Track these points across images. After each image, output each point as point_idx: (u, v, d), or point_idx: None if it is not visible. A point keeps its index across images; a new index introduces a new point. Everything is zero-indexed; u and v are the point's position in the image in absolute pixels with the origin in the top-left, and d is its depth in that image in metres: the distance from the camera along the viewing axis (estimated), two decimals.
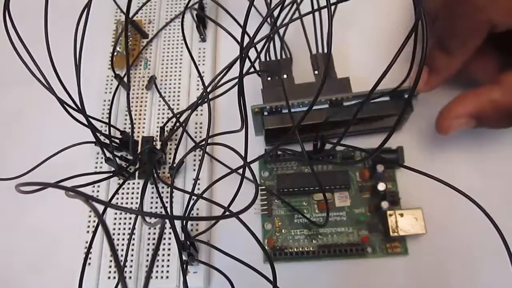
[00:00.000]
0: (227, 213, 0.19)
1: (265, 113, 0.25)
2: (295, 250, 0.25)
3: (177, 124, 0.26)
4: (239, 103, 0.19)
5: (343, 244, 0.25)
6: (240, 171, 0.21)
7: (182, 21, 0.25)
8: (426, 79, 0.24)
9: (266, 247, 0.25)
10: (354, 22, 0.31)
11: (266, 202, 0.26)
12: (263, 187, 0.26)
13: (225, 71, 0.23)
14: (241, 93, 0.18)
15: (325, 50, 0.27)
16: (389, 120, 0.26)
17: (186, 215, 0.22)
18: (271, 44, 0.26)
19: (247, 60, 0.18)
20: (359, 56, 0.30)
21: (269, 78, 0.26)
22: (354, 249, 0.24)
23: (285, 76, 0.26)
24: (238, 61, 0.22)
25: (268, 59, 0.27)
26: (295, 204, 0.26)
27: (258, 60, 0.27)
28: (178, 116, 0.26)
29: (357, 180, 0.26)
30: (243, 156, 0.20)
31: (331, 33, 0.16)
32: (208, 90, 0.23)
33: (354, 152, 0.26)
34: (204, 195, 0.23)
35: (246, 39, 0.18)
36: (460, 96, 0.23)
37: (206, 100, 0.23)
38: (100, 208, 0.25)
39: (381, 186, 0.24)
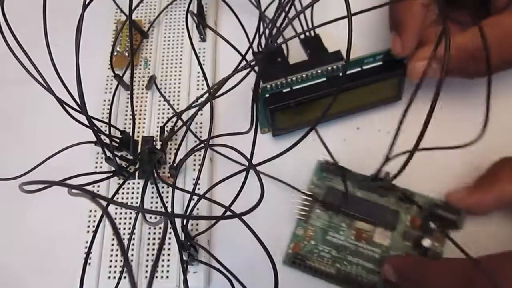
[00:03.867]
0: (230, 213, 0.19)
1: (267, 95, 0.25)
2: (315, 265, 0.24)
3: (178, 124, 0.26)
4: (252, 106, 0.18)
5: (362, 279, 0.23)
6: (243, 170, 0.20)
7: (186, 16, 0.25)
8: (399, 42, 0.24)
9: (290, 251, 0.24)
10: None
11: (307, 208, 0.25)
12: (310, 193, 0.25)
13: (225, 73, 0.23)
14: (255, 99, 0.18)
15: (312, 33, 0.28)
16: (381, 92, 0.26)
17: (187, 214, 0.22)
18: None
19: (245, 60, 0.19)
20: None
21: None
22: None
23: (279, 59, 0.27)
24: (238, 61, 0.22)
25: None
26: (333, 222, 0.25)
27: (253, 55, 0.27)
28: (180, 113, 0.26)
29: (406, 224, 0.24)
30: (249, 158, 0.20)
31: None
32: (211, 90, 0.24)
33: (414, 196, 0.25)
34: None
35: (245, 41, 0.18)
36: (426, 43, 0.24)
37: (210, 98, 0.23)
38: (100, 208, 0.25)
39: (426, 243, 0.23)
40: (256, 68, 0.23)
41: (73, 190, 0.12)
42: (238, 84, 0.23)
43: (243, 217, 0.17)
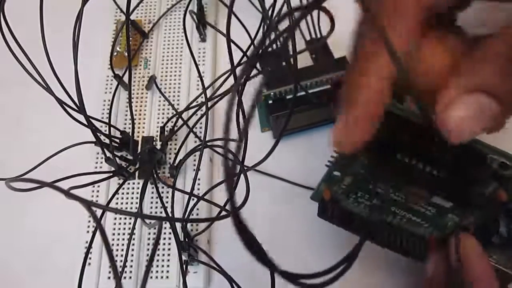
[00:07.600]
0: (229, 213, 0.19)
1: (270, 102, 0.25)
2: (350, 207, 0.20)
3: (177, 125, 0.26)
4: (237, 113, 0.18)
5: (405, 232, 0.20)
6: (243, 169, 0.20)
7: (185, 16, 0.25)
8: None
9: (323, 197, 0.20)
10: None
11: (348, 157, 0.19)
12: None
13: (225, 74, 0.23)
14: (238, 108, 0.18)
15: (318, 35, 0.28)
16: None
17: (186, 216, 0.22)
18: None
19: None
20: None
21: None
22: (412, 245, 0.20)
23: (284, 63, 0.27)
24: (239, 61, 0.22)
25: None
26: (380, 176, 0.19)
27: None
28: (181, 113, 0.26)
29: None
30: (241, 161, 0.20)
31: None
32: (208, 91, 0.24)
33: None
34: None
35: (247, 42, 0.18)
36: None
37: (206, 99, 0.23)
38: (98, 211, 0.25)
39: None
40: (251, 68, 0.22)
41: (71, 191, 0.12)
42: (237, 82, 0.23)
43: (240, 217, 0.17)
